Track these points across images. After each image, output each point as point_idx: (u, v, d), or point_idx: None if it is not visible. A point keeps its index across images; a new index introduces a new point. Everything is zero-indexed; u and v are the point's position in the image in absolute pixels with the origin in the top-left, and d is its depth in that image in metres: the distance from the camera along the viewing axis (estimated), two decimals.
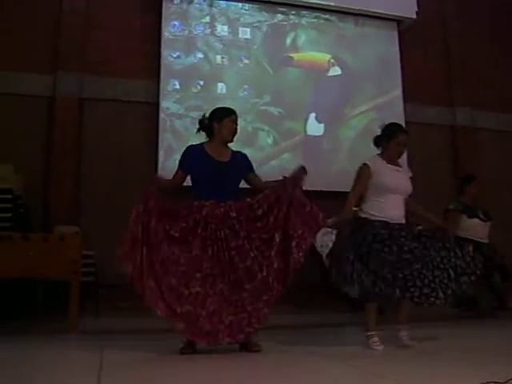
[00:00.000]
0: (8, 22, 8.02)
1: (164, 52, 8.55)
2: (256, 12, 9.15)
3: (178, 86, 8.57)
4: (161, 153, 8.28)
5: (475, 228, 6.56)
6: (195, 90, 8.66)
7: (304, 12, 9.38)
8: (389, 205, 4.39)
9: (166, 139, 8.37)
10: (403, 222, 4.45)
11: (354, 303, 6.38)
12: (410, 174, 4.70)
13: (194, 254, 4.01)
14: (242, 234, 4.10)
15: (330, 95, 9.31)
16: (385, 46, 9.76)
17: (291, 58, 9.26)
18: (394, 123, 4.80)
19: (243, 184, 4.54)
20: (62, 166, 7.87)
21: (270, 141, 8.89)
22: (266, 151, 8.81)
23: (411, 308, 4.42)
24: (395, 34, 9.82)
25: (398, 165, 4.61)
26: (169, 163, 8.29)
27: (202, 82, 8.71)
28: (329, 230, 6.52)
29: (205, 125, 4.42)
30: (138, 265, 3.94)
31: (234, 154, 4.40)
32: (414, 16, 9.63)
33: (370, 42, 9.67)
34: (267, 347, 4.08)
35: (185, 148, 4.45)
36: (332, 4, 9.30)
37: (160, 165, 8.23)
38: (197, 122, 8.55)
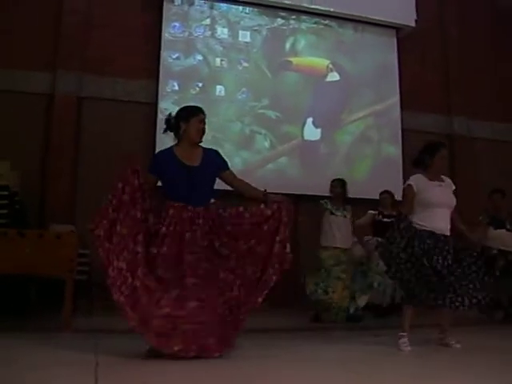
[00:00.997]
0: (8, 19, 8.02)
1: (163, 53, 8.57)
2: (256, 16, 9.19)
3: (176, 88, 8.60)
4: None
5: (502, 238, 6.89)
6: (194, 92, 8.69)
7: (304, 17, 9.43)
8: (435, 217, 4.67)
9: (163, 140, 8.35)
10: (448, 233, 4.72)
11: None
12: (453, 188, 4.95)
13: (156, 253, 3.90)
14: (201, 242, 3.99)
15: (328, 100, 9.34)
16: (383, 53, 9.81)
17: (290, 62, 9.31)
18: (432, 141, 5.13)
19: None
20: (59, 165, 7.87)
21: (266, 144, 8.91)
22: (262, 154, 8.84)
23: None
24: (394, 41, 9.88)
25: (441, 180, 4.88)
26: None
27: (200, 84, 8.73)
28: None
29: (171, 124, 4.28)
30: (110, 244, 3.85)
31: (205, 155, 4.26)
32: (413, 24, 9.69)
33: (368, 48, 9.72)
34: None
35: (154, 154, 4.34)
36: (332, 10, 9.34)
37: None
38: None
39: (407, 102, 9.66)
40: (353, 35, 9.71)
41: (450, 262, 4.54)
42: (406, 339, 4.52)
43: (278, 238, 4.07)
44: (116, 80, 8.37)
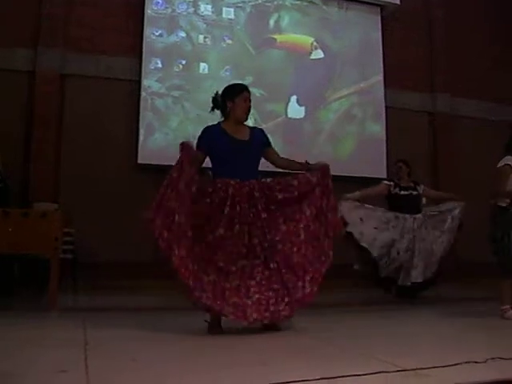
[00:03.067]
0: None
1: (146, 30, 8.48)
2: None
3: (160, 65, 8.52)
4: (141, 131, 8.26)
5: None
6: (177, 69, 8.62)
7: None
8: None
9: (146, 117, 8.34)
10: None
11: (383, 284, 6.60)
12: None
13: (218, 234, 3.99)
14: (263, 215, 4.10)
15: (312, 78, 9.32)
16: (367, 31, 9.79)
17: (274, 39, 9.25)
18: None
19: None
20: (42, 143, 7.79)
21: (250, 122, 8.73)
22: None
23: None
24: (378, 19, 9.86)
25: None
26: (149, 141, 8.28)
27: (184, 62, 8.67)
28: (357, 203, 6.50)
29: (218, 103, 4.36)
30: (171, 231, 3.86)
31: (252, 132, 4.37)
32: (398, 2, 9.69)
33: (353, 26, 9.69)
34: None
35: (203, 128, 4.33)
36: None
37: (140, 143, 8.22)
38: (178, 101, 8.59)
39: (391, 80, 9.68)
40: (337, 12, 9.67)
41: None
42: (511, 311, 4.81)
43: (327, 206, 4.26)
44: (99, 57, 8.26)
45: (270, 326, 4.02)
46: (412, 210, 6.58)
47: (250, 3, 9.12)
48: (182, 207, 3.89)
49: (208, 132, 4.28)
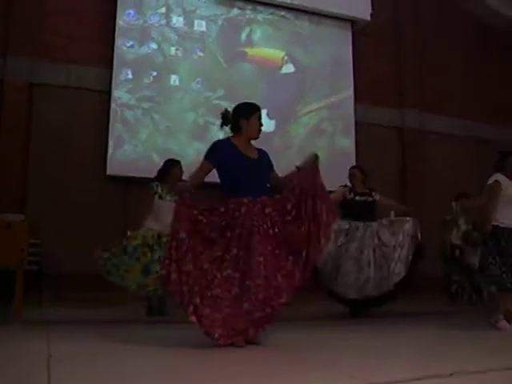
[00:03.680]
0: None
1: (118, 40, 8.44)
2: (212, 5, 9.14)
3: (130, 76, 8.48)
4: (110, 143, 8.19)
5: None
6: (148, 81, 8.59)
7: (260, 8, 9.45)
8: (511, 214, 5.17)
9: (116, 129, 8.28)
10: None
11: (353, 308, 6.30)
12: None
13: (216, 255, 3.96)
14: (271, 231, 4.07)
15: (283, 92, 9.36)
16: (338, 46, 9.89)
17: (245, 53, 9.29)
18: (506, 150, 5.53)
19: None
20: (9, 153, 7.66)
21: (221, 135, 8.71)
22: None
23: None
24: (349, 34, 9.99)
25: None
26: (118, 153, 8.22)
27: (154, 73, 8.64)
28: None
29: (228, 120, 4.33)
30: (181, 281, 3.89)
31: (259, 152, 4.37)
32: (368, 18, 9.81)
33: (323, 41, 9.79)
34: None
35: (213, 142, 4.27)
36: (288, 1, 9.40)
37: (109, 154, 8.14)
38: (148, 112, 8.54)
39: (361, 95, 9.79)
40: (308, 27, 9.76)
41: None
42: (504, 322, 4.97)
43: (319, 203, 4.26)
44: (69, 67, 8.19)
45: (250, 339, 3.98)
46: (367, 216, 6.36)
47: (222, 16, 9.15)
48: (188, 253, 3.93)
49: (219, 146, 4.24)
